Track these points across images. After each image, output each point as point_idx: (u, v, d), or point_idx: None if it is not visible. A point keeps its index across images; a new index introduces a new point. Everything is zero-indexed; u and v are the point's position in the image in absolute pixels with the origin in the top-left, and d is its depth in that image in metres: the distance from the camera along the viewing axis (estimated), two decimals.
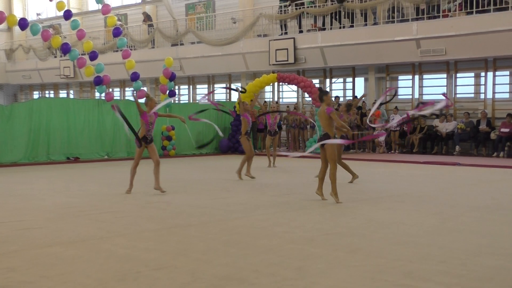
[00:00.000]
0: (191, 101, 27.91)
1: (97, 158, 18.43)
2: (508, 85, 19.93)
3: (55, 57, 31.61)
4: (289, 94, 25.14)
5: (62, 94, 34.32)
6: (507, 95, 19.87)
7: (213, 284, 4.82)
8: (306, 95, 22.17)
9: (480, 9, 18.59)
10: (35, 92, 35.97)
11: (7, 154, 16.60)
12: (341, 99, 22.87)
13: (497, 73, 19.76)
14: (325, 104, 9.16)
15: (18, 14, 33.34)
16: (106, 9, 18.93)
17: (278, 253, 5.89)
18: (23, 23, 16.95)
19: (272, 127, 16.14)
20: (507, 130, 18.08)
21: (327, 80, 23.71)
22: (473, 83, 20.58)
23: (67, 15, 18.53)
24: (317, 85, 22.47)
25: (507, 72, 19.86)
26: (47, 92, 35.29)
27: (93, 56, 18.76)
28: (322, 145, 9.20)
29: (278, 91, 25.41)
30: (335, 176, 9.24)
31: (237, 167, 12.87)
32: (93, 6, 31.25)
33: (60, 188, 11.38)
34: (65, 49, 18.35)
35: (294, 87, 22.45)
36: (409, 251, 5.95)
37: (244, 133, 12.86)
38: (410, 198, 9.86)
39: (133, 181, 10.59)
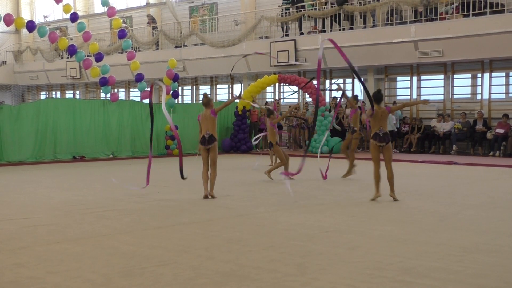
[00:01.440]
0: (194, 102, 27.92)
1: (103, 157, 18.45)
2: (503, 86, 19.92)
3: (62, 58, 31.63)
4: (289, 94, 25.13)
5: (69, 94, 34.34)
6: (502, 96, 19.86)
7: (215, 280, 4.83)
8: (307, 95, 22.18)
9: (476, 11, 18.57)
10: (42, 93, 36.01)
11: (15, 153, 16.63)
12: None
13: (493, 74, 19.75)
14: (382, 105, 9.44)
15: (26, 16, 33.35)
16: (111, 12, 18.95)
17: (279, 250, 5.90)
18: (30, 26, 16.99)
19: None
20: (502, 130, 18.08)
21: (327, 81, 23.69)
22: (470, 84, 20.57)
23: (74, 17, 18.56)
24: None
25: (503, 74, 19.85)
26: (54, 92, 35.33)
27: (98, 57, 18.78)
28: (382, 146, 9.23)
29: (279, 92, 25.40)
30: (392, 175, 9.28)
31: (270, 167, 12.82)
32: (99, 8, 31.35)
33: (67, 187, 11.39)
34: (72, 50, 18.39)
35: (295, 88, 22.41)
36: (407, 248, 5.95)
37: (275, 143, 12.56)
38: (408, 196, 9.85)
39: (205, 186, 9.74)
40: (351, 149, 12.76)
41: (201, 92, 28.57)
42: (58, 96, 34.41)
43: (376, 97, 9.46)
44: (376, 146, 9.29)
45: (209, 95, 10.83)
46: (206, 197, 9.54)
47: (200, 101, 27.55)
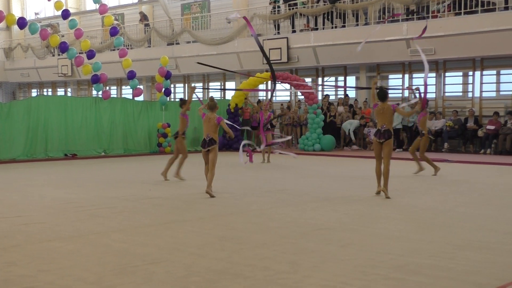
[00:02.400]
0: (186, 99, 27.84)
1: (94, 155, 18.39)
2: (494, 84, 20.01)
3: (53, 55, 31.48)
4: (281, 92, 25.13)
5: (60, 92, 34.19)
6: (493, 94, 19.94)
7: (208, 278, 4.82)
8: (299, 93, 22.19)
9: (468, 10, 18.63)
10: (33, 90, 35.84)
11: (6, 151, 16.55)
12: (332, 97, 22.91)
13: (484, 72, 19.82)
14: (387, 101, 9.51)
15: (17, 13, 33.16)
16: (103, 9, 18.89)
17: (272, 247, 5.90)
18: (21, 22, 16.90)
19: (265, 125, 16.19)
20: (493, 127, 18.16)
21: (319, 79, 23.72)
22: (461, 82, 20.65)
23: (65, 14, 18.47)
24: (310, 84, 22.53)
25: (494, 72, 19.93)
26: (45, 90, 35.17)
27: (90, 55, 18.72)
28: (381, 143, 9.43)
29: (272, 90, 25.36)
30: (388, 171, 9.39)
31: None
32: (91, 5, 31.23)
33: (59, 185, 11.35)
34: (63, 48, 18.31)
35: (287, 86, 22.44)
36: (399, 245, 5.97)
37: (182, 133, 11.96)
38: (400, 194, 9.87)
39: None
40: (421, 152, 12.95)
41: None
42: (50, 93, 34.25)
43: (380, 95, 9.57)
44: (377, 142, 9.53)
45: (214, 99, 10.92)
46: (207, 193, 9.61)
47: (192, 99, 27.56)
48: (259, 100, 24.16)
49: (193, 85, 18.04)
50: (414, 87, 13.50)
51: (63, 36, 28.61)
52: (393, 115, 9.53)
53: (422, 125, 12.87)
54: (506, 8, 18.01)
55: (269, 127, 16.57)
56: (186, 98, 14.29)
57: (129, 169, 14.46)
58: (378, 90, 9.83)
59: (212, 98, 10.66)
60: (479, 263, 5.23)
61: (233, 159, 16.95)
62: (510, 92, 19.18)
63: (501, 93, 19.75)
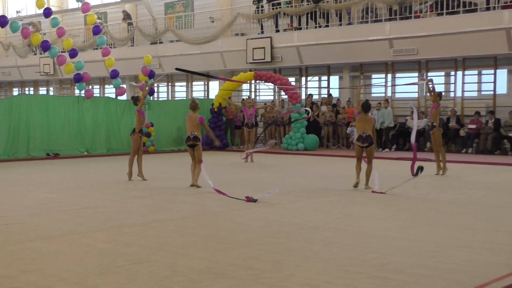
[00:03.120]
0: (169, 99, 27.80)
1: (77, 154, 18.26)
2: (476, 84, 20.18)
3: (35, 54, 31.20)
4: (265, 92, 25.14)
5: (42, 91, 33.90)
6: (475, 94, 20.11)
7: (192, 277, 4.81)
8: (283, 92, 22.21)
9: (450, 10, 18.78)
10: (14, 89, 35.51)
11: None
12: (316, 96, 22.97)
13: (466, 72, 19.99)
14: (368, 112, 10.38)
15: None
16: (86, 8, 18.76)
17: (255, 247, 5.90)
18: (2, 20, 16.73)
19: (250, 120, 16.21)
20: (474, 126, 18.33)
21: (303, 78, 23.77)
22: (443, 82, 20.79)
23: (47, 13, 18.31)
24: (293, 83, 22.57)
25: (476, 72, 20.10)
26: (27, 89, 34.85)
27: (73, 53, 18.58)
28: (363, 147, 10.31)
29: (255, 89, 25.41)
30: (371, 171, 10.36)
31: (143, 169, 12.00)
32: (73, 4, 30.93)
33: (41, 184, 11.26)
34: (45, 46, 18.15)
35: (271, 85, 22.45)
36: (382, 244, 5.99)
37: (138, 131, 11.79)
38: (383, 193, 9.92)
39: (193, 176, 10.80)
40: (438, 145, 12.77)
41: (177, 89, 28.46)
42: (31, 92, 33.94)
43: (365, 107, 10.36)
44: (359, 146, 10.43)
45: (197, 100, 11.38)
46: (192, 185, 10.49)
47: (176, 98, 27.50)
48: (242, 99, 24.16)
49: (151, 80, 17.89)
50: (428, 79, 13.63)
51: (45, 34, 28.35)
52: (373, 125, 10.50)
53: (434, 117, 12.76)
54: (488, 9, 18.17)
55: (254, 123, 16.55)
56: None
57: (112, 168, 14.37)
58: (363, 102, 10.55)
59: (193, 99, 11.17)
60: (461, 262, 5.27)
61: (216, 158, 16.93)
62: (491, 92, 19.36)
63: (482, 93, 19.93)
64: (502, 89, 19.42)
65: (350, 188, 10.33)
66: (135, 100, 12.40)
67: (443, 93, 14.80)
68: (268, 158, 16.97)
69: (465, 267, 5.08)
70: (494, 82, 19.29)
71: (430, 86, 13.05)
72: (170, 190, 10.33)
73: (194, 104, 10.87)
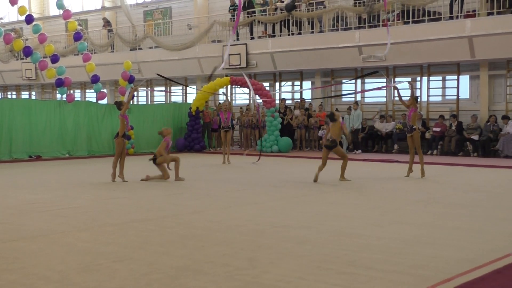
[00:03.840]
0: (149, 103, 27.64)
1: (59, 156, 18.07)
2: (440, 89, 20.43)
3: (17, 59, 30.76)
4: (241, 96, 25.14)
5: (24, 95, 33.44)
6: (439, 98, 20.36)
7: (170, 274, 4.79)
8: (257, 97, 22.21)
9: (415, 19, 19.00)
10: None
11: None
12: (289, 101, 23.02)
13: (431, 78, 20.23)
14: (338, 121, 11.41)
15: None
16: (67, 15, 18.58)
17: (231, 245, 5.89)
18: None
19: (226, 123, 16.22)
20: (439, 129, 18.56)
21: (277, 84, 23.82)
22: (410, 87, 20.96)
23: (29, 19, 18.10)
24: (267, 88, 22.60)
25: (440, 78, 20.35)
26: (9, 93, 34.35)
27: (54, 59, 18.39)
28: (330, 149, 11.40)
29: (231, 93, 25.41)
30: (345, 165, 11.58)
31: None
32: (55, 11, 30.61)
33: (23, 185, 11.11)
34: (27, 52, 17.94)
35: (246, 90, 22.47)
36: (352, 241, 6.03)
37: (122, 135, 11.65)
38: (352, 193, 10.01)
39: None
40: (418, 147, 12.39)
41: (156, 93, 28.32)
42: (14, 96, 33.48)
43: (330, 118, 11.49)
44: (325, 149, 11.54)
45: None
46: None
47: (155, 103, 27.34)
48: (219, 103, 24.12)
49: (131, 85, 17.83)
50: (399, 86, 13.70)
51: (27, 40, 27.92)
52: (341, 129, 11.40)
53: (413, 120, 12.45)
54: (451, 18, 18.42)
55: (230, 126, 16.58)
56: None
57: (93, 170, 14.24)
58: (329, 114, 11.80)
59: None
60: (426, 258, 5.32)
61: (193, 160, 16.89)
62: (455, 97, 19.62)
63: (446, 97, 20.19)
64: (464, 94, 19.71)
65: (320, 189, 10.38)
66: (118, 105, 12.28)
67: (418, 98, 14.94)
68: (244, 159, 16.96)
69: (430, 263, 5.13)
70: (457, 87, 19.55)
71: (404, 90, 13.10)
72: (150, 191, 10.27)
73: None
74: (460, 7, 18.40)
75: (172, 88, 27.66)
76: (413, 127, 12.38)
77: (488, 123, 17.99)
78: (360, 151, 19.52)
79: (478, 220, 7.31)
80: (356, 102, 20.42)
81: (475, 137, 17.99)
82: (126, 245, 5.87)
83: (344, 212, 7.96)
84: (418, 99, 13.74)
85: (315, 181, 11.21)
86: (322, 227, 6.86)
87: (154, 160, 11.80)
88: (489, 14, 17.77)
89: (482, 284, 4.56)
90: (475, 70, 19.18)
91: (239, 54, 22.48)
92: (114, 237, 6.29)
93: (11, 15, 33.49)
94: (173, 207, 8.46)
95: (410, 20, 19.07)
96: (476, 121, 18.30)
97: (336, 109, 19.99)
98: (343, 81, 21.61)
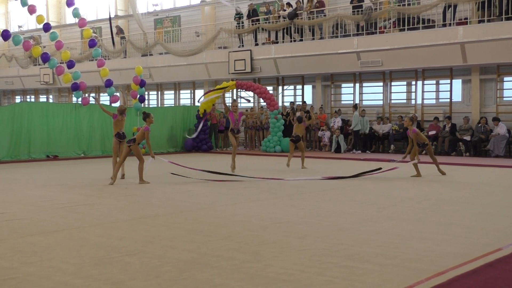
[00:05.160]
0: (159, 106, 27.68)
1: (75, 156, 18.10)
2: (434, 93, 20.37)
3: (36, 65, 30.86)
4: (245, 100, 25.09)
5: (42, 98, 33.54)
6: (433, 101, 20.30)
7: (179, 267, 4.79)
8: (262, 100, 22.22)
9: (411, 26, 18.97)
10: (17, 97, 35.07)
11: None
12: (287, 104, 22.98)
13: (426, 82, 20.17)
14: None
15: (1, 26, 32.47)
16: (82, 23, 18.58)
17: (236, 239, 5.89)
18: (5, 34, 16.52)
19: (236, 126, 15.04)
20: (434, 131, 18.51)
21: (280, 87, 23.81)
22: (405, 91, 20.96)
23: (47, 27, 18.11)
24: (271, 92, 22.59)
25: (434, 81, 20.30)
26: (28, 97, 34.45)
27: (70, 64, 18.39)
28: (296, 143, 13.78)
29: (237, 97, 25.40)
30: (304, 156, 14.13)
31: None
32: (71, 19, 30.70)
33: (40, 183, 11.13)
34: (45, 58, 17.95)
35: (251, 93, 22.48)
36: (350, 236, 6.02)
37: (114, 135, 11.68)
38: (351, 190, 9.98)
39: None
40: (412, 153, 12.14)
41: (166, 96, 28.35)
42: (32, 100, 33.57)
43: (298, 120, 14.11)
44: (291, 143, 13.91)
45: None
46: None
47: (165, 105, 27.36)
48: (225, 105, 24.09)
49: (93, 96, 17.86)
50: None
51: (44, 47, 28.04)
52: (304, 129, 14.18)
53: (421, 140, 12.23)
54: (444, 25, 18.37)
55: (239, 129, 15.69)
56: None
57: (106, 169, 14.23)
58: (298, 116, 14.10)
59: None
60: (420, 252, 5.30)
61: (201, 160, 16.87)
62: (448, 100, 19.56)
63: (440, 100, 20.12)
64: (457, 97, 19.65)
65: (321, 187, 10.36)
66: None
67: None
68: (248, 160, 16.95)
69: (425, 257, 5.12)
70: (450, 91, 19.50)
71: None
72: (159, 188, 10.28)
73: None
74: (453, 15, 18.34)
75: (181, 91, 27.67)
76: (425, 143, 12.35)
77: (480, 125, 17.93)
78: (359, 151, 19.49)
79: (470, 216, 7.29)
80: (355, 105, 20.39)
81: (467, 138, 17.94)
82: (137, 240, 5.87)
83: (342, 208, 7.95)
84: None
85: (288, 165, 13.75)
86: (322, 222, 6.84)
87: (130, 141, 11.29)
88: (480, 21, 17.72)
89: (475, 277, 4.54)
90: (467, 75, 19.12)
91: (244, 59, 22.48)
92: (126, 232, 6.29)
93: (30, 23, 33.58)
94: (180, 204, 8.46)
95: (406, 27, 19.02)
96: (468, 123, 18.26)
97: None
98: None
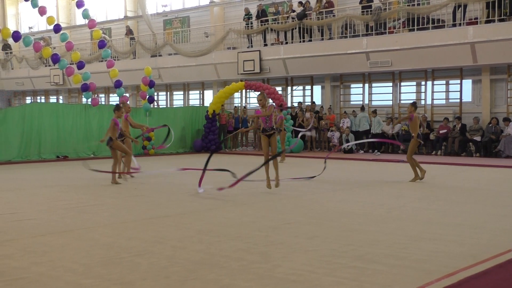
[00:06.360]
0: (168, 106, 27.75)
1: (84, 156, 18.18)
2: (444, 93, 20.27)
3: (46, 66, 31.05)
4: (255, 100, 25.14)
5: (52, 99, 33.74)
6: (443, 102, 20.21)
7: (188, 268, 4.80)
8: (271, 100, 22.21)
9: (420, 26, 18.89)
10: (27, 98, 35.31)
11: (1, 153, 16.29)
12: (295, 104, 22.97)
13: (435, 82, 20.09)
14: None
15: (12, 27, 32.68)
16: (92, 24, 18.70)
17: (245, 240, 5.89)
18: (16, 36, 16.67)
19: (269, 124, 12.67)
20: (445, 131, 18.43)
21: (289, 88, 23.80)
22: (415, 91, 20.88)
23: (57, 28, 18.24)
24: (280, 92, 22.58)
25: (444, 82, 20.20)
26: (38, 97, 34.67)
27: (80, 65, 18.52)
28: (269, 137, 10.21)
29: (246, 97, 25.42)
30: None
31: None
32: (81, 20, 30.86)
33: (50, 184, 11.19)
34: (55, 59, 18.08)
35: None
36: (359, 237, 6.00)
37: (115, 138, 11.27)
38: (360, 191, 9.96)
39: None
40: (408, 153, 11.54)
41: (175, 97, 28.41)
42: (43, 100, 33.79)
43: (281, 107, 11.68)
44: (265, 137, 10.12)
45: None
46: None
47: (174, 106, 27.44)
48: (235, 106, 24.15)
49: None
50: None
51: (54, 48, 28.20)
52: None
53: (412, 128, 11.72)
54: (454, 25, 18.29)
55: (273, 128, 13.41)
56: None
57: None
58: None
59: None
60: (429, 253, 5.28)
61: (211, 160, 16.88)
62: (458, 100, 19.47)
63: (450, 100, 20.04)
64: (467, 97, 19.55)
65: (328, 187, 10.35)
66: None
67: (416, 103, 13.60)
68: (258, 160, 16.92)
69: (434, 258, 5.09)
70: (460, 91, 19.40)
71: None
72: (168, 189, 10.30)
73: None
74: (463, 15, 18.25)
75: (190, 92, 27.72)
76: (412, 134, 11.70)
77: (490, 125, 17.83)
78: (378, 152, 19.30)
79: (480, 217, 7.25)
80: (362, 107, 20.35)
81: (478, 138, 17.84)
82: (146, 240, 5.89)
83: (351, 209, 7.93)
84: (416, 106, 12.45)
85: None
86: (330, 223, 6.83)
87: (109, 142, 11.08)
88: (490, 21, 17.63)
89: (485, 278, 4.52)
90: (477, 75, 19.03)
91: (253, 60, 22.49)
92: (135, 232, 6.32)
93: (40, 24, 33.79)
94: (189, 204, 8.48)
95: (415, 27, 18.95)
96: (478, 123, 18.17)
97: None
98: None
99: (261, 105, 10.13)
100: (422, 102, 20.42)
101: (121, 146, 11.35)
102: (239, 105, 24.91)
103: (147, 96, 19.56)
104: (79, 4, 18.35)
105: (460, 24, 18.18)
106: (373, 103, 21.60)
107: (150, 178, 11.80)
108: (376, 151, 19.31)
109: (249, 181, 10.63)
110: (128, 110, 12.58)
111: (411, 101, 12.53)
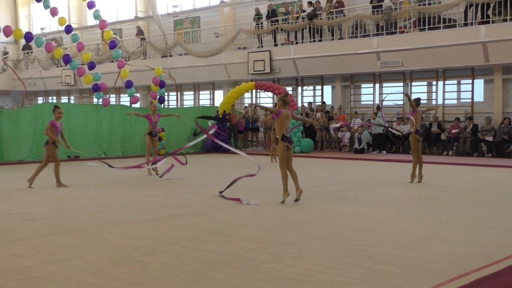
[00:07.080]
0: (178, 106, 27.81)
1: (95, 156, 18.24)
2: (455, 93, 20.15)
3: (57, 66, 31.24)
4: (265, 100, 25.13)
5: (64, 99, 33.93)
6: (454, 101, 20.10)
7: (198, 268, 4.80)
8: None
9: (431, 26, 18.79)
10: (39, 98, 35.53)
11: (14, 153, 16.40)
12: (306, 104, 22.95)
13: (446, 82, 19.97)
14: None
15: (24, 28, 32.90)
16: (103, 24, 18.78)
17: (256, 240, 5.89)
18: (28, 36, 16.76)
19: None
20: (456, 130, 18.33)
21: (299, 88, 23.76)
22: (426, 91, 20.77)
23: (68, 29, 18.34)
24: (290, 92, 22.56)
25: (455, 82, 20.09)
26: (50, 98, 34.88)
27: (91, 66, 18.59)
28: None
29: (256, 97, 25.41)
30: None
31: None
32: (92, 21, 31.03)
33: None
34: (66, 59, 18.17)
35: (270, 94, 22.47)
36: (370, 237, 5.98)
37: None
38: (370, 191, 9.92)
39: None
40: (412, 150, 11.32)
41: (185, 97, 28.47)
42: (54, 101, 33.98)
43: (284, 101, 8.57)
44: (285, 147, 8.49)
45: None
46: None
47: (184, 106, 27.49)
48: (245, 107, 24.13)
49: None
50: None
51: (66, 49, 28.36)
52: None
53: (412, 124, 11.59)
54: (466, 25, 18.17)
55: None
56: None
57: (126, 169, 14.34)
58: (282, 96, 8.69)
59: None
60: (441, 253, 5.25)
61: (220, 160, 16.88)
62: (469, 100, 19.34)
63: (461, 100, 19.91)
64: (479, 97, 19.42)
65: (340, 188, 10.32)
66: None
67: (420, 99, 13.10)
68: (267, 160, 16.94)
69: (445, 259, 5.06)
70: (472, 91, 19.28)
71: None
72: (179, 189, 10.32)
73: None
74: (474, 14, 18.13)
75: (200, 92, 27.77)
76: (410, 130, 11.27)
77: (502, 125, 17.70)
78: (385, 152, 19.27)
79: (492, 218, 7.20)
80: (378, 107, 20.29)
81: (490, 138, 17.72)
82: (157, 240, 5.90)
83: (361, 209, 7.90)
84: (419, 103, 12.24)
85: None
86: (341, 223, 6.81)
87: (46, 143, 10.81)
88: (503, 20, 17.49)
89: (498, 279, 4.49)
90: (489, 74, 18.89)
91: (264, 60, 22.49)
92: (146, 232, 6.33)
93: (52, 25, 33.99)
94: (200, 204, 8.48)
95: (426, 27, 18.85)
96: (490, 123, 18.03)
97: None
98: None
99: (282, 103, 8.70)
100: (433, 102, 20.30)
101: (52, 152, 10.70)
102: (250, 109, 24.85)
103: (158, 96, 19.58)
104: (90, 5, 18.43)
105: (472, 24, 18.06)
106: (384, 103, 21.48)
107: (161, 178, 11.82)
108: (383, 151, 19.24)
109: (261, 186, 10.60)
110: (154, 109, 12.89)
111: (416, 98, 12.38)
